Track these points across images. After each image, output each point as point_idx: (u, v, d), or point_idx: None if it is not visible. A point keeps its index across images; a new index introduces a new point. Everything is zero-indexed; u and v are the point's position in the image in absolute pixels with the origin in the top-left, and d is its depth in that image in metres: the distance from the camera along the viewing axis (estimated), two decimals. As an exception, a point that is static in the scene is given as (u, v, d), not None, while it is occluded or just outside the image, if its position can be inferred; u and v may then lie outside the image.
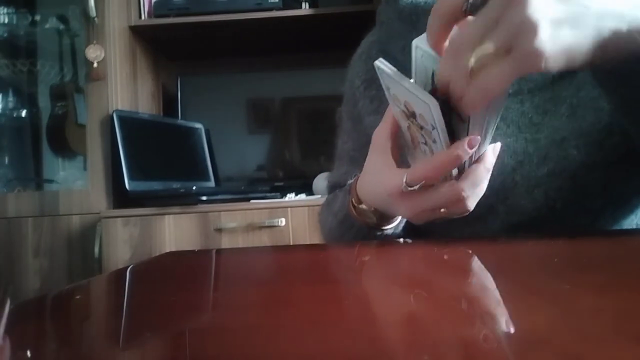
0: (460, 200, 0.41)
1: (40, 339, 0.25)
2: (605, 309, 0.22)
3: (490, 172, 0.42)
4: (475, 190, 0.41)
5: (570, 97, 0.51)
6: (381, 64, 0.39)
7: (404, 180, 0.41)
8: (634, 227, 0.54)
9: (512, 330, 0.20)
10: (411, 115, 0.40)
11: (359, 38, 0.73)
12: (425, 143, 0.42)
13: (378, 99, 0.62)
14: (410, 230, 0.55)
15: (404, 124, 0.43)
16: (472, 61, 0.33)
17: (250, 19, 1.58)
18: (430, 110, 0.36)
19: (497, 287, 0.28)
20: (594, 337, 0.18)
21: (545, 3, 0.31)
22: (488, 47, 0.32)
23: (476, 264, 0.37)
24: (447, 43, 0.36)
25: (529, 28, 0.31)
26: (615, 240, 0.44)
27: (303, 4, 1.63)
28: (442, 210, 0.42)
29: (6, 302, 0.23)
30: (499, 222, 0.54)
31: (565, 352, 0.16)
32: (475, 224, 0.54)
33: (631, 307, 0.21)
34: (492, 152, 0.42)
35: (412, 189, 0.41)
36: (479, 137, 0.38)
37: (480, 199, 0.43)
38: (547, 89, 0.53)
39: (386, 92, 0.42)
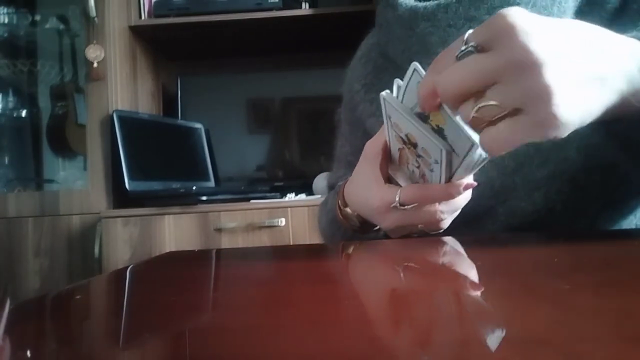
0: (437, 221, 0.44)
1: (40, 339, 0.25)
2: (605, 309, 0.22)
3: (467, 201, 0.45)
4: (452, 214, 0.45)
5: None
6: (388, 96, 0.41)
7: (397, 199, 0.44)
8: (634, 227, 0.54)
9: (512, 330, 0.20)
10: (411, 145, 0.42)
11: (358, 38, 0.73)
12: (418, 167, 0.44)
13: (378, 102, 0.62)
14: None
15: (397, 145, 0.45)
16: (473, 111, 0.31)
17: (250, 19, 1.58)
18: (441, 154, 0.38)
19: (497, 287, 0.28)
20: (594, 337, 0.18)
21: (560, 68, 0.29)
22: (492, 102, 0.31)
23: (476, 263, 0.37)
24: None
25: (544, 93, 0.29)
26: (615, 241, 0.44)
27: (303, 4, 1.63)
28: (420, 226, 0.45)
29: (6, 302, 0.23)
30: (498, 224, 0.54)
31: (565, 352, 0.16)
32: (475, 226, 0.54)
33: (631, 307, 0.21)
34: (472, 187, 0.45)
35: (403, 208, 0.44)
36: (475, 183, 0.41)
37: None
38: None
39: (385, 119, 0.43)
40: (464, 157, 0.37)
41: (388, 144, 0.47)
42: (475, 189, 0.43)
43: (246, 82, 1.80)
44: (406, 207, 0.44)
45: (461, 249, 0.43)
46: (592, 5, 0.52)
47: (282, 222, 1.37)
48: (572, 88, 0.30)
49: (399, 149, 0.45)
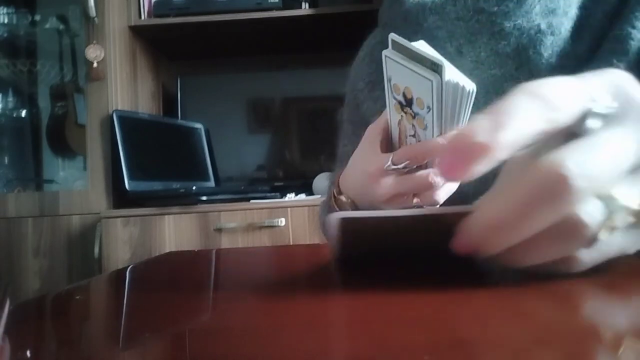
0: (430, 187, 0.43)
1: (40, 339, 0.25)
2: (605, 309, 0.22)
3: None
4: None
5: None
6: (389, 52, 0.41)
7: (391, 158, 0.44)
8: None
9: (511, 330, 0.20)
10: (407, 104, 0.43)
11: (359, 38, 0.73)
12: (414, 135, 0.44)
13: (382, 100, 0.62)
14: None
15: (396, 118, 0.46)
16: None
17: (250, 19, 1.58)
18: (431, 87, 0.38)
19: (496, 286, 0.28)
20: (594, 337, 0.18)
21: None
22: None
23: (476, 263, 0.37)
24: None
25: (578, 233, 0.23)
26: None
27: (303, 4, 1.63)
28: (415, 200, 0.44)
29: (6, 302, 0.23)
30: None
31: (564, 352, 0.16)
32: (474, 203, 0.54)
33: (631, 307, 0.21)
34: None
35: (395, 167, 0.43)
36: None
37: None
38: None
39: (386, 85, 0.44)
40: (452, 103, 0.39)
41: (389, 124, 0.47)
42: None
43: (246, 82, 1.80)
44: (398, 166, 0.43)
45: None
46: None
47: (282, 222, 1.37)
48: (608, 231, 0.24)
49: (398, 122, 0.46)
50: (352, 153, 0.69)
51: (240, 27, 1.64)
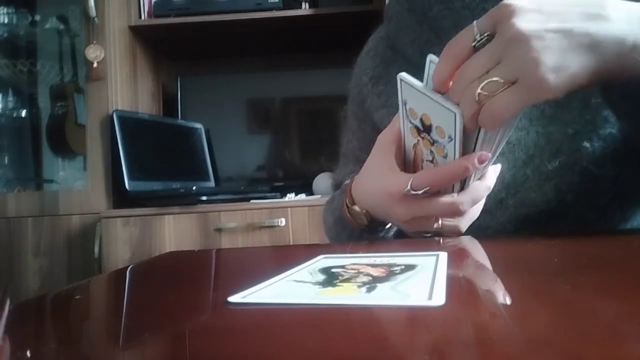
0: (457, 213, 0.43)
1: (40, 339, 0.25)
2: (605, 309, 0.22)
3: (490, 191, 0.44)
4: (472, 206, 0.43)
5: (583, 91, 0.52)
6: (404, 76, 0.40)
7: (410, 183, 0.42)
8: None
9: (512, 330, 0.20)
10: (425, 130, 0.41)
11: (359, 38, 0.73)
12: (432, 160, 0.43)
13: (386, 94, 0.62)
14: None
15: (412, 141, 0.44)
16: (479, 88, 0.35)
17: (250, 19, 1.58)
18: (454, 119, 0.38)
19: (496, 286, 0.28)
20: (594, 337, 0.18)
21: (544, 38, 0.34)
22: (494, 77, 0.35)
23: (475, 263, 0.37)
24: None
25: (533, 62, 0.33)
26: (615, 240, 0.44)
27: (303, 4, 1.63)
28: (435, 225, 0.44)
29: (6, 302, 0.23)
30: (507, 215, 0.54)
31: (565, 352, 0.16)
32: (484, 217, 0.53)
33: (631, 307, 0.21)
34: (493, 172, 0.44)
35: (415, 192, 0.42)
36: (489, 154, 0.40)
37: (491, 192, 0.44)
38: None
39: (401, 107, 0.43)
40: (477, 135, 0.39)
41: (403, 142, 0.46)
42: None
43: (246, 82, 1.80)
44: (418, 191, 0.42)
45: (461, 247, 0.42)
46: None
47: (282, 222, 1.37)
48: (556, 56, 0.34)
49: (414, 145, 0.44)
50: (357, 149, 0.69)
51: (240, 27, 1.64)
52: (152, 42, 1.74)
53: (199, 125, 1.74)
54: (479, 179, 0.44)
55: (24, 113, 1.83)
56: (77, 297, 0.35)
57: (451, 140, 0.39)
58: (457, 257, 0.38)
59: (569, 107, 0.51)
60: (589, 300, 0.23)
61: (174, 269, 0.46)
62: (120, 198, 1.46)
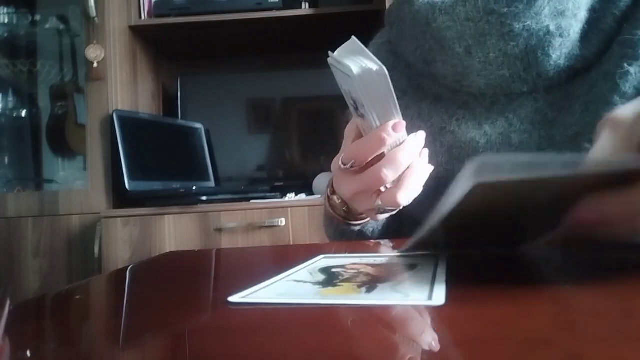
0: (379, 180, 0.43)
1: (40, 339, 0.25)
2: (605, 309, 0.22)
3: (418, 157, 0.44)
4: (396, 174, 0.43)
5: (584, 95, 0.52)
6: (332, 58, 0.41)
7: (340, 159, 0.45)
8: None
9: (511, 330, 0.20)
10: (356, 107, 0.42)
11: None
12: None
13: None
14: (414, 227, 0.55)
15: (359, 123, 0.45)
16: None
17: (250, 19, 1.58)
18: (353, 82, 0.38)
19: (496, 286, 0.28)
20: (594, 337, 0.18)
21: None
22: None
23: (475, 263, 0.37)
24: None
25: None
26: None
27: (303, 4, 1.63)
28: (377, 204, 0.44)
29: (6, 302, 0.23)
30: None
31: (565, 352, 0.16)
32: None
33: (631, 307, 0.21)
34: (414, 138, 0.44)
35: (345, 167, 0.45)
36: (404, 122, 0.41)
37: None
38: (562, 87, 0.53)
39: (344, 93, 0.44)
40: (375, 90, 0.38)
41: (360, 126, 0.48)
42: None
43: (246, 82, 1.80)
44: (347, 165, 0.44)
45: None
46: (606, 2, 0.52)
47: (282, 222, 1.37)
48: None
49: (361, 125, 0.46)
50: None
51: (240, 27, 1.64)
52: (152, 42, 1.74)
53: (199, 125, 1.74)
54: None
55: (24, 113, 1.83)
56: (77, 297, 0.35)
57: (363, 106, 0.40)
58: (457, 257, 0.38)
59: (571, 111, 0.52)
60: (589, 300, 0.23)
61: (174, 269, 0.46)
62: (120, 198, 1.46)
